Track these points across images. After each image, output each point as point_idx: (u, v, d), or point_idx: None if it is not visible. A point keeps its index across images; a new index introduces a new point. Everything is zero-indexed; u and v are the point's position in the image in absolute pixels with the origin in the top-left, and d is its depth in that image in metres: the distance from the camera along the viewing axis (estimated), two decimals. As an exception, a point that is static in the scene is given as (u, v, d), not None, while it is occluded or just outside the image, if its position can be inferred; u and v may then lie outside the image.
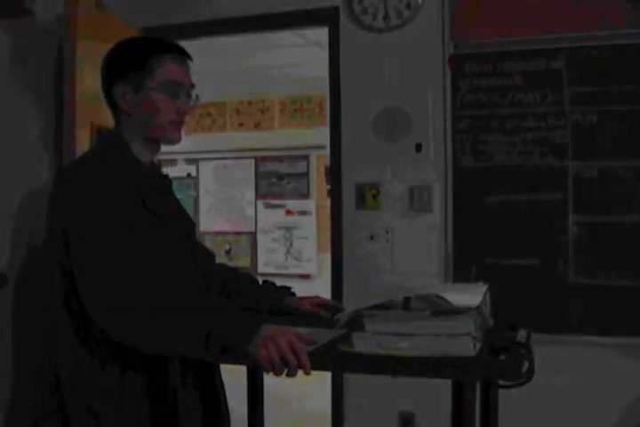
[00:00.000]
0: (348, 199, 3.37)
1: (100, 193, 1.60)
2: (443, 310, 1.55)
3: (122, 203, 1.62)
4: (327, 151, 3.56)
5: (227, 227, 7.54)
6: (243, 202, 7.51)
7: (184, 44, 1.91)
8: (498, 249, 3.14)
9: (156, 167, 1.89)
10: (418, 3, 3.23)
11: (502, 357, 1.50)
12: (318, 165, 7.08)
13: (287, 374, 1.50)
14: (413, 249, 3.27)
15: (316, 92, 6.62)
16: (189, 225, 1.95)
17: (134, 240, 1.59)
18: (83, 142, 2.85)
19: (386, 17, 3.28)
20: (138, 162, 1.77)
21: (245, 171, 7.48)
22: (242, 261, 7.37)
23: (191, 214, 2.03)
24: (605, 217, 2.99)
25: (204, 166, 7.69)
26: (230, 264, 2.24)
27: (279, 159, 7.30)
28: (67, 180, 1.68)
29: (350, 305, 2.04)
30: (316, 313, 2.04)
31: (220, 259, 2.13)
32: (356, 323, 1.68)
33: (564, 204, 3.05)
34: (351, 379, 3.32)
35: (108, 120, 1.85)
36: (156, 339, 1.53)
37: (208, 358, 1.54)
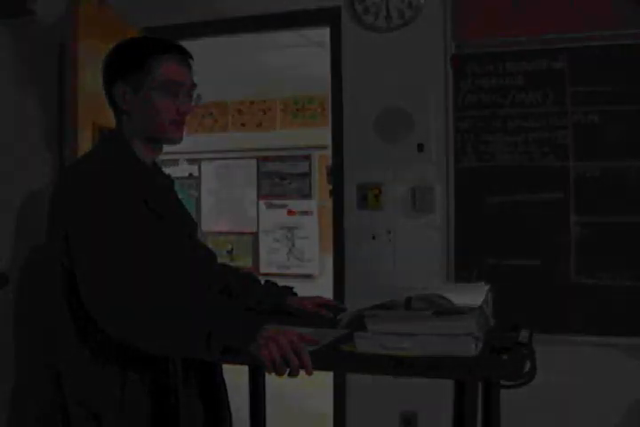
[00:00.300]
0: (350, 199, 3.37)
1: (102, 193, 1.61)
2: (444, 310, 1.55)
3: (123, 203, 1.62)
4: (329, 151, 3.56)
5: (228, 227, 7.54)
6: (244, 202, 7.51)
7: (186, 43, 1.91)
8: (500, 249, 3.13)
9: (157, 167, 1.89)
10: (419, 2, 3.23)
11: (504, 357, 1.50)
12: (320, 165, 7.09)
13: (289, 375, 1.50)
14: (415, 249, 3.26)
15: (317, 92, 6.62)
16: (191, 225, 1.95)
17: (136, 241, 1.59)
18: (84, 142, 2.86)
19: (387, 17, 3.28)
20: (139, 162, 1.77)
21: (247, 171, 7.49)
22: (243, 262, 7.37)
23: (193, 214, 2.03)
24: (607, 217, 2.99)
25: (205, 166, 7.69)
26: (232, 264, 2.24)
27: (281, 159, 7.31)
28: (68, 180, 1.68)
29: (352, 305, 2.04)
30: (318, 313, 2.04)
31: (222, 259, 2.14)
32: (357, 323, 1.68)
33: (565, 204, 3.04)
34: (353, 379, 3.32)
35: (109, 120, 1.86)
36: (157, 339, 1.53)
37: (210, 358, 1.54)
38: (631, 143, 2.97)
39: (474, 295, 1.68)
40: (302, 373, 1.50)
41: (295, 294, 2.12)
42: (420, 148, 3.25)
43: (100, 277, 1.54)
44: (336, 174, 3.43)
